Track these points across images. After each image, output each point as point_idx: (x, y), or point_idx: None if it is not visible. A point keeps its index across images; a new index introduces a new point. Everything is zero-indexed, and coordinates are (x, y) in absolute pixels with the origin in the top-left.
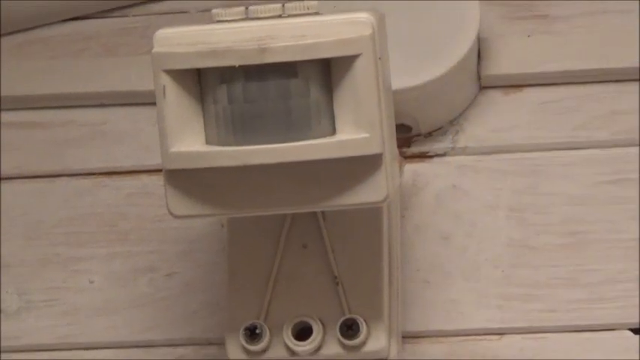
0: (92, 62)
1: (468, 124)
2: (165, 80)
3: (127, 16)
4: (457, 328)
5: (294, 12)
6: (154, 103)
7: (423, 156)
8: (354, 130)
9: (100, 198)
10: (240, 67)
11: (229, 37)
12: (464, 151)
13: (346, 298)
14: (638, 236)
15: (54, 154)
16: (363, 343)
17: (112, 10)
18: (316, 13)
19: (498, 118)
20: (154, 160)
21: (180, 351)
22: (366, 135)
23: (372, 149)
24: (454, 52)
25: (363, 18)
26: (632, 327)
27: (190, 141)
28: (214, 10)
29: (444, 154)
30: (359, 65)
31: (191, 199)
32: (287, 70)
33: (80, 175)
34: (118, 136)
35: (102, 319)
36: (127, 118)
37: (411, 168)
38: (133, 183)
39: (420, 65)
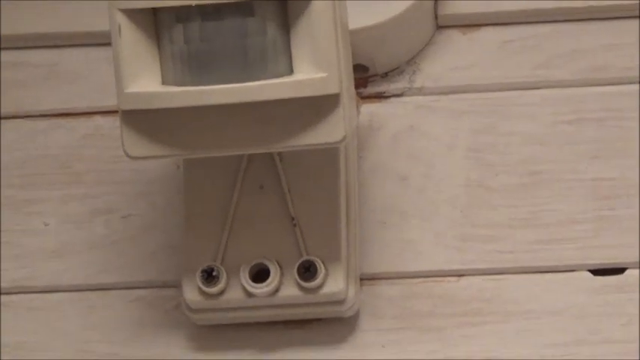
0: (45, 2)
1: (426, 63)
2: (121, 19)
3: None
4: (415, 269)
5: None
6: (107, 44)
7: (380, 96)
8: (312, 69)
9: (54, 139)
10: (196, 6)
11: None
12: (421, 91)
13: (303, 239)
14: (596, 176)
15: (7, 95)
16: (321, 285)
17: None
18: None
19: (456, 58)
20: (109, 101)
21: (137, 293)
22: (324, 75)
23: (330, 89)
24: None
25: None
26: (591, 268)
27: (146, 81)
28: None
29: (401, 95)
30: (316, 4)
31: (147, 139)
32: (244, 8)
33: (34, 116)
34: (72, 77)
35: (57, 261)
36: (80, 58)
37: (368, 109)
38: (88, 124)
39: (376, 4)
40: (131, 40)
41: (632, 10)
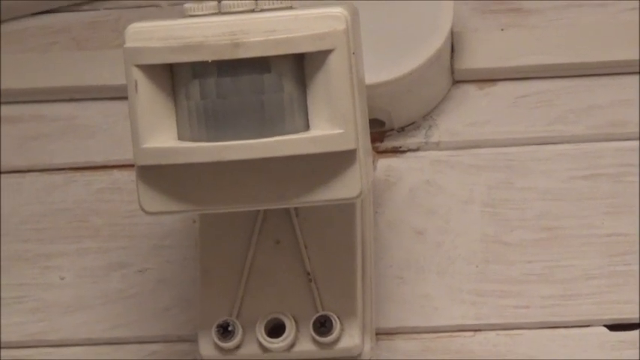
0: (62, 56)
1: (442, 118)
2: (138, 75)
3: (97, 9)
4: (431, 324)
5: (267, 6)
6: (124, 98)
7: (396, 151)
8: (328, 125)
9: (70, 193)
10: (213, 62)
11: (202, 32)
12: (437, 146)
13: (319, 294)
14: (611, 232)
15: (24, 149)
16: (337, 340)
17: (82, 3)
18: (289, 8)
19: (472, 113)
20: (125, 155)
21: (151, 348)
22: (341, 130)
23: (347, 145)
24: (428, 46)
25: (336, 12)
26: (607, 323)
27: (163, 137)
28: (186, 5)
29: (417, 149)
30: (333, 60)
31: (163, 195)
32: (260, 65)
33: (50, 170)
34: (88, 131)
35: (73, 315)
36: (97, 112)
37: (385, 163)
38: (104, 178)
39: (393, 59)
40: (147, 96)
41: None
